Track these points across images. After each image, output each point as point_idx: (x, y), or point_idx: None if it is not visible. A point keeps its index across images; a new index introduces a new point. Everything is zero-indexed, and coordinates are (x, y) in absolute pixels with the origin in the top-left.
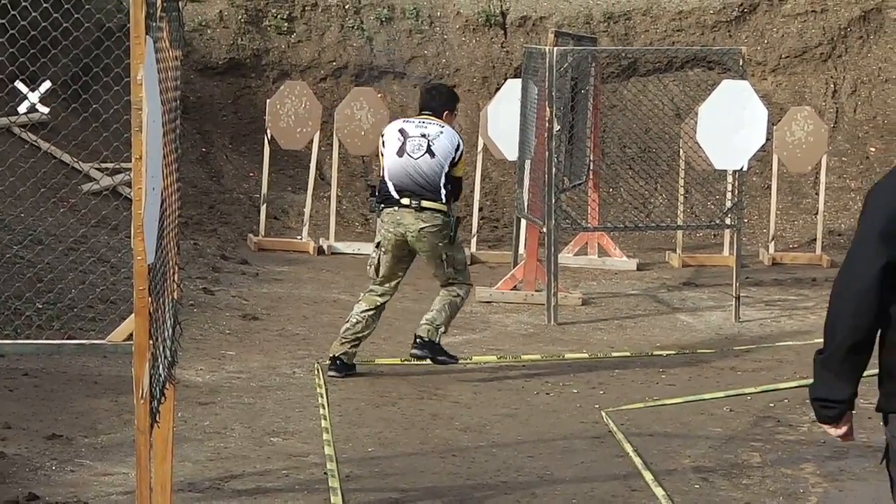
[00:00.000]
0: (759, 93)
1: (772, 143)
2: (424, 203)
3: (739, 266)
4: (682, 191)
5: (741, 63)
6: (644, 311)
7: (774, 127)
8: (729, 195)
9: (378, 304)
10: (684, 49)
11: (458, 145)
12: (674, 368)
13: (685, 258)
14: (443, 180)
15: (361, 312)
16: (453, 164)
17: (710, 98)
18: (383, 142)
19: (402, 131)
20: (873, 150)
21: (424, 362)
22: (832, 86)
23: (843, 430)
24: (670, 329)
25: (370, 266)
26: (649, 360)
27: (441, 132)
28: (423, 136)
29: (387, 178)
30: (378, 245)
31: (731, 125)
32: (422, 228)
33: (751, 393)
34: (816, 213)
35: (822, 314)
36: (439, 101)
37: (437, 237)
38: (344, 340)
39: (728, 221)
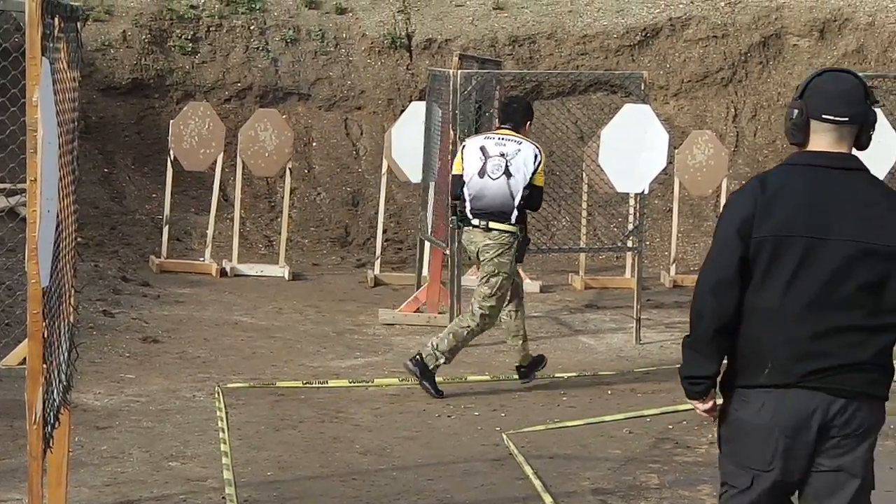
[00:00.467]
0: (661, 116)
1: (673, 167)
2: (492, 224)
3: (641, 288)
4: (584, 213)
5: (643, 87)
6: (546, 333)
7: (676, 150)
8: (631, 218)
9: (516, 304)
10: (587, 73)
11: (536, 156)
12: (575, 390)
13: (588, 280)
14: (517, 201)
15: (507, 314)
16: (534, 174)
17: (612, 121)
18: (462, 156)
19: (483, 149)
20: None
21: (325, 385)
22: (733, 110)
23: (709, 405)
24: (572, 351)
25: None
26: (551, 382)
27: (518, 149)
28: (502, 155)
29: (466, 196)
30: (469, 259)
31: (632, 148)
32: (486, 244)
33: (650, 415)
34: None
35: None
36: (520, 113)
37: (494, 251)
38: (513, 347)
39: (630, 244)
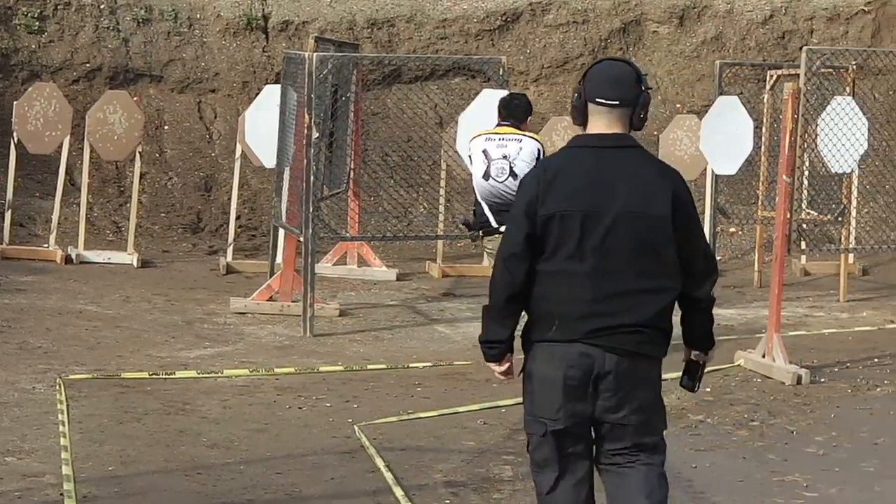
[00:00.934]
0: None
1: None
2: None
3: None
4: (442, 200)
5: (501, 72)
6: (402, 322)
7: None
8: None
9: None
10: (447, 57)
11: (539, 150)
12: (430, 381)
13: (445, 268)
14: None
15: None
16: None
17: (469, 107)
18: (470, 157)
19: (485, 153)
20: None
21: (172, 376)
22: None
23: (505, 367)
24: (428, 340)
25: None
26: (405, 373)
27: (520, 148)
28: (505, 157)
29: (480, 201)
30: None
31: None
32: None
33: (505, 405)
34: None
35: None
36: (521, 109)
37: None
38: None
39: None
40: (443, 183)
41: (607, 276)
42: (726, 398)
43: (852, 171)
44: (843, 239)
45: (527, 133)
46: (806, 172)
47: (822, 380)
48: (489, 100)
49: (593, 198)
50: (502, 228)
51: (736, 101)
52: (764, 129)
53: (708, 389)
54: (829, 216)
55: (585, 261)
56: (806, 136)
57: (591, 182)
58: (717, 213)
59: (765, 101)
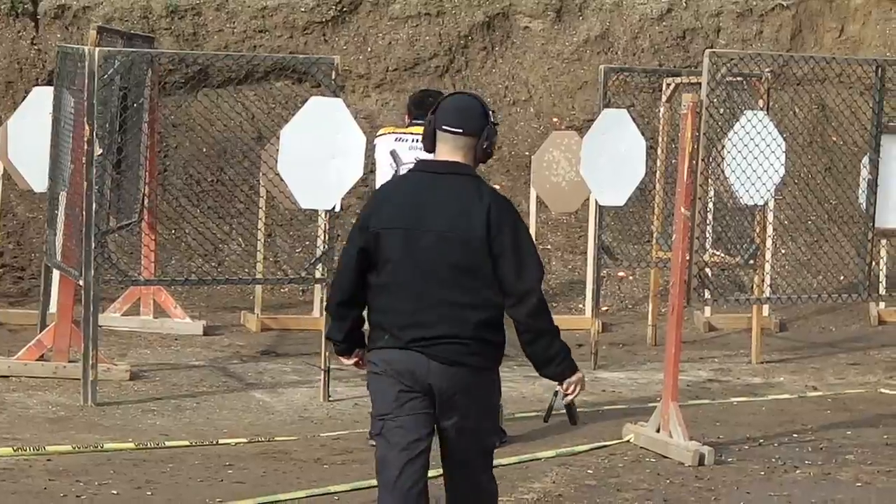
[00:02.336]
0: (361, 113)
1: (374, 177)
2: None
3: None
4: (262, 235)
5: (334, 76)
6: (210, 387)
7: None
8: (319, 241)
9: None
10: (266, 56)
11: None
12: (245, 461)
13: (265, 320)
14: None
15: None
16: None
17: (294, 119)
18: (375, 159)
19: (393, 154)
20: (498, 187)
21: None
22: None
23: (353, 360)
24: (242, 411)
25: None
26: (213, 451)
27: None
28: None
29: None
30: None
31: (321, 153)
32: None
33: (339, 492)
34: None
35: None
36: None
37: None
38: None
39: (318, 274)
40: (262, 213)
41: (428, 288)
42: (612, 482)
43: (766, 203)
44: (755, 287)
45: None
46: (710, 204)
47: (730, 459)
48: (319, 110)
49: (415, 217)
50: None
51: (625, 116)
52: (659, 151)
53: (590, 472)
54: (738, 258)
55: (407, 274)
56: (710, 159)
57: (416, 203)
58: (602, 253)
59: (661, 115)
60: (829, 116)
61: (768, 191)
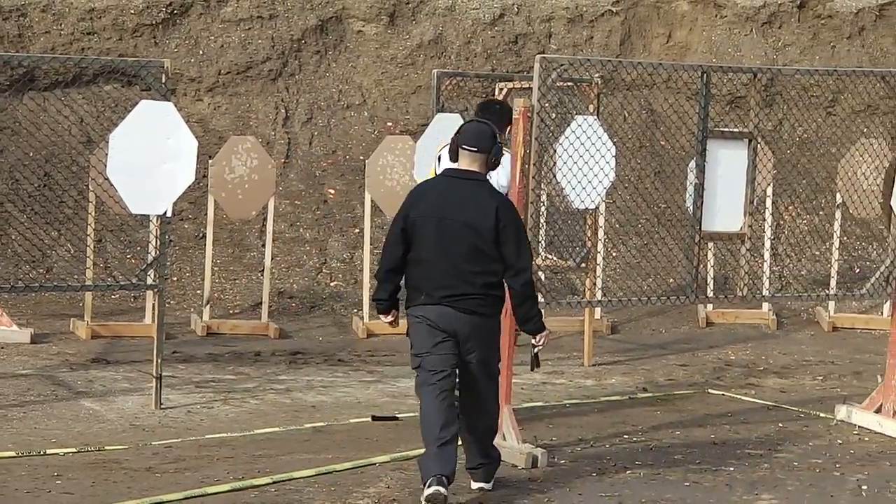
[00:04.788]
0: (193, 117)
1: (207, 182)
2: None
3: (163, 337)
4: (91, 241)
5: (164, 79)
6: (38, 396)
7: (210, 161)
8: (151, 247)
9: None
10: (94, 59)
11: None
12: (74, 471)
13: (95, 327)
14: None
15: None
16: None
17: (123, 123)
18: (438, 165)
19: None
20: (332, 192)
21: None
22: (283, 111)
23: (390, 318)
24: (72, 420)
25: None
26: (41, 462)
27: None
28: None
29: None
30: None
31: (151, 158)
32: None
33: (171, 501)
34: (263, 271)
35: (265, 397)
36: (497, 117)
37: None
38: None
39: (149, 280)
40: (91, 219)
41: (452, 262)
42: None
43: (597, 207)
44: (587, 290)
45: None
46: (543, 209)
47: (562, 461)
48: (149, 114)
49: (444, 210)
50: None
51: (458, 120)
52: None
53: None
54: (570, 262)
55: (438, 251)
56: (542, 163)
57: (445, 200)
58: None
59: None
60: (657, 121)
61: (599, 195)
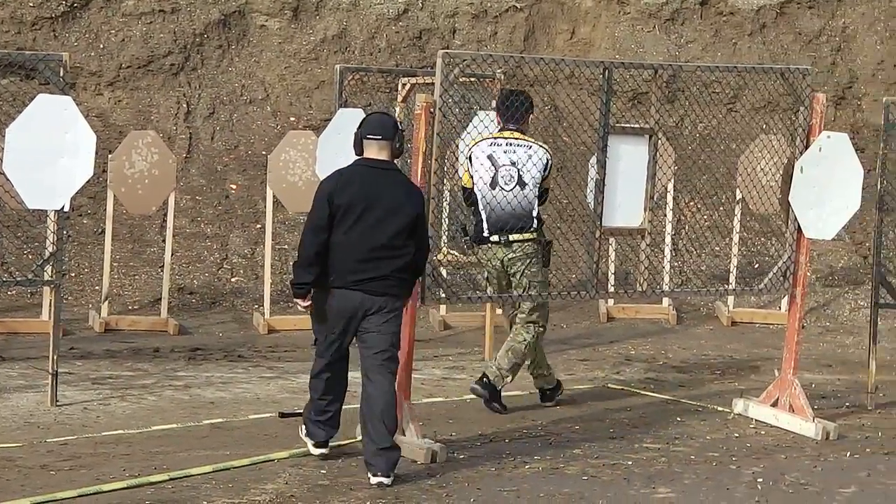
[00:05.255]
0: (93, 111)
1: (107, 176)
2: (513, 237)
3: (59, 333)
4: None
5: (63, 73)
6: None
7: (111, 156)
8: (49, 243)
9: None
10: None
11: (547, 161)
12: None
13: None
14: (535, 210)
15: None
16: (544, 179)
17: (20, 117)
18: (471, 165)
19: (491, 158)
20: (234, 187)
21: None
22: (185, 105)
23: (308, 302)
24: None
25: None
26: None
27: (529, 155)
28: (513, 163)
29: (481, 210)
30: (487, 279)
31: (48, 153)
32: (511, 258)
33: (65, 498)
34: (163, 266)
35: (163, 394)
36: (522, 109)
37: (522, 263)
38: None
39: (47, 276)
40: None
41: (369, 245)
42: (345, 482)
43: None
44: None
45: (534, 141)
46: (446, 204)
47: (462, 456)
48: (47, 108)
49: (367, 196)
50: (493, 238)
51: (360, 115)
52: None
53: (323, 472)
54: (472, 257)
55: (357, 235)
56: (444, 159)
57: (366, 187)
58: None
59: (396, 115)
60: (560, 117)
61: None
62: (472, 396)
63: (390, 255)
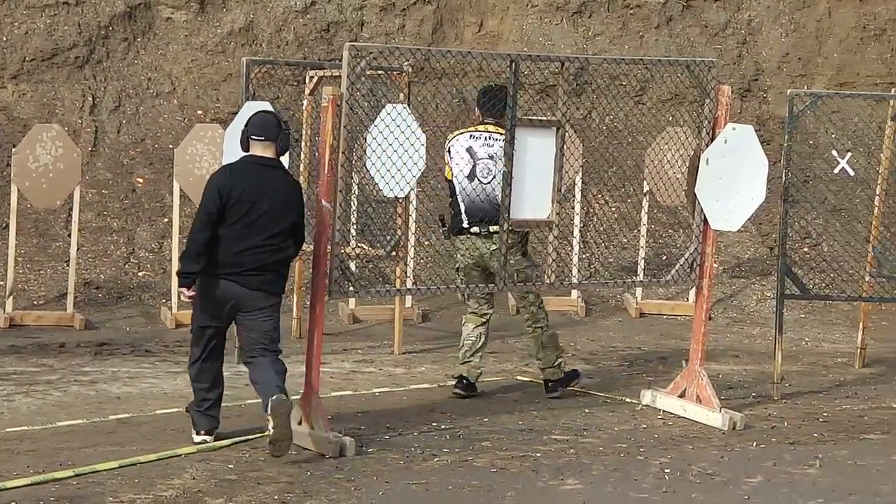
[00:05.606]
0: None
1: (11, 170)
2: (493, 228)
3: None
4: None
5: None
6: None
7: (14, 149)
8: None
9: (483, 319)
10: None
11: None
12: None
13: None
14: None
15: (473, 330)
16: None
17: None
18: (451, 158)
19: (470, 151)
20: (141, 181)
21: None
22: (90, 98)
23: (192, 292)
24: None
25: (459, 294)
26: None
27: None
28: (491, 157)
29: (459, 202)
30: (458, 270)
31: None
32: (494, 249)
33: None
34: (69, 261)
35: (68, 389)
36: (501, 103)
37: (509, 255)
38: (464, 361)
39: None
40: None
41: (252, 238)
42: (253, 476)
43: (408, 195)
44: (397, 278)
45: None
46: (354, 197)
47: (371, 450)
48: None
49: (254, 192)
50: (473, 229)
51: (268, 108)
52: (303, 144)
53: (231, 466)
54: (381, 250)
55: (241, 228)
56: (352, 152)
57: (253, 183)
58: None
59: (304, 107)
60: (469, 109)
61: (409, 183)
62: (382, 389)
63: (269, 250)
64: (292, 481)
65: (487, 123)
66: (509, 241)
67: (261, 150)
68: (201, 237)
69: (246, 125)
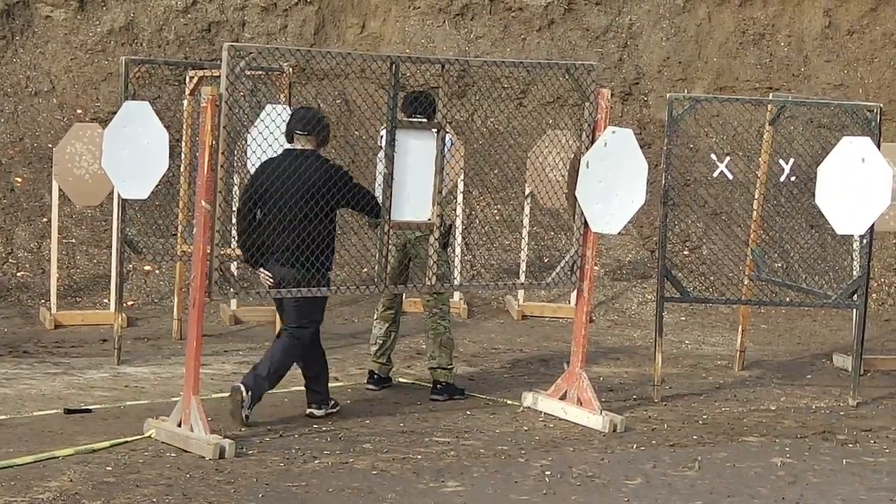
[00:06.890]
0: None
1: None
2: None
3: None
4: None
5: None
6: None
7: None
8: None
9: (391, 318)
10: None
11: (452, 143)
12: None
13: None
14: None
15: (384, 329)
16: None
17: None
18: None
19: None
20: (19, 180)
21: None
22: None
23: (264, 272)
24: None
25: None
26: None
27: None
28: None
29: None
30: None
31: None
32: (417, 236)
33: None
34: None
35: None
36: (432, 108)
37: (427, 243)
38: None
39: None
40: None
41: (288, 225)
42: (131, 478)
43: None
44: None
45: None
46: (234, 198)
47: (251, 452)
48: None
49: (284, 181)
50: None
51: (147, 108)
52: (184, 144)
53: (109, 468)
54: None
55: (278, 215)
56: (233, 152)
57: (284, 172)
58: (127, 246)
59: (185, 108)
60: (351, 111)
61: None
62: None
63: (305, 229)
64: (171, 484)
65: (415, 120)
66: (436, 232)
67: (302, 143)
68: (245, 219)
69: (290, 119)
